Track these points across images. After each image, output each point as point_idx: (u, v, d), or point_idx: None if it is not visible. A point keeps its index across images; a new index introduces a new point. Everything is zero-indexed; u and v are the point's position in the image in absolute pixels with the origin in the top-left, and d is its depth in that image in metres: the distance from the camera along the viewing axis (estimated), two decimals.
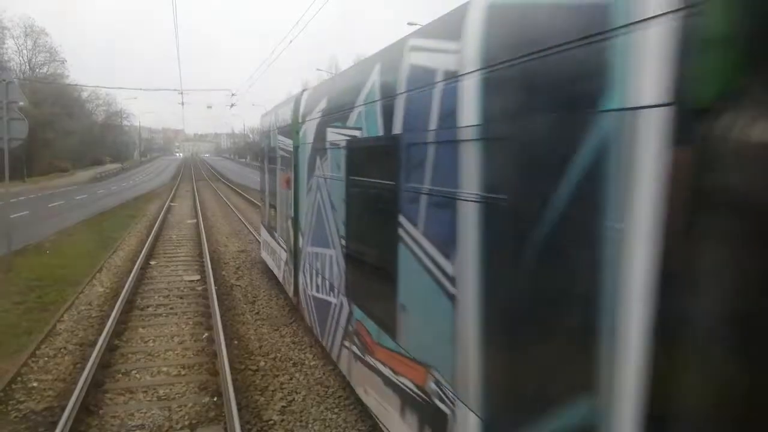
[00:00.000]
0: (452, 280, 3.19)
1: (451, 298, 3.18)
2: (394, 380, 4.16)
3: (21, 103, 12.63)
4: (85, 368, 6.16)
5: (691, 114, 1.69)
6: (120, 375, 6.47)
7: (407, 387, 3.93)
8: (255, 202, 24.70)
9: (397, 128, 3.97)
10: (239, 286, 10.89)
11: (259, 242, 13.00)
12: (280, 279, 9.63)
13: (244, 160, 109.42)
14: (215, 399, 5.84)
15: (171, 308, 9.25)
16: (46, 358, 6.96)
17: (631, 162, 1.91)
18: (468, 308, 3.02)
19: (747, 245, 1.61)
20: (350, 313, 5.25)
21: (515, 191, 2.60)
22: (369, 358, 4.73)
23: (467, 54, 3.01)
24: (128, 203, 29.08)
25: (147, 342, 7.63)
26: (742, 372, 1.65)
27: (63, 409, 5.26)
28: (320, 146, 6.26)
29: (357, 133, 4.95)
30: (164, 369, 6.67)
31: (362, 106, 4.81)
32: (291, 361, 6.97)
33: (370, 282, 4.84)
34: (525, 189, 2.54)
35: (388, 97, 4.18)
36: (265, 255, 11.51)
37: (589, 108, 2.11)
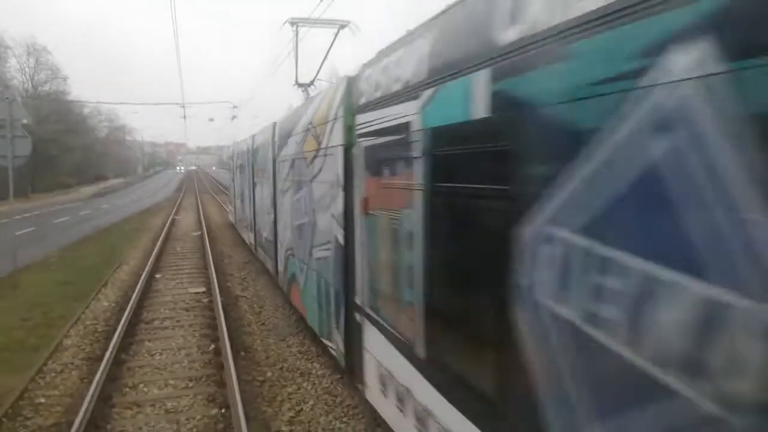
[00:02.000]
0: (268, 204, 11.17)
1: (273, 210, 10.67)
2: (248, 234, 15.72)
3: (24, 121, 12.75)
4: (93, 383, 6.16)
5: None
6: (127, 389, 6.45)
7: (250, 233, 15.34)
8: None
9: (243, 162, 16.68)
10: (245, 297, 10.89)
11: (234, 222, 21.87)
12: (233, 221, 21.64)
13: None
14: (223, 411, 5.81)
15: (177, 321, 9.25)
16: (53, 374, 6.96)
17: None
18: (276, 213, 10.63)
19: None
20: (251, 221, 14.58)
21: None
22: (250, 233, 15.09)
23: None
24: (132, 217, 29.15)
25: (154, 355, 7.61)
26: None
27: (71, 424, 5.25)
28: (236, 166, 19.58)
29: (243, 161, 16.65)
30: (171, 382, 6.65)
31: (243, 153, 16.51)
32: (298, 371, 6.94)
33: (252, 208, 14.16)
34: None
35: (243, 153, 16.73)
36: (230, 217, 23.54)
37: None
